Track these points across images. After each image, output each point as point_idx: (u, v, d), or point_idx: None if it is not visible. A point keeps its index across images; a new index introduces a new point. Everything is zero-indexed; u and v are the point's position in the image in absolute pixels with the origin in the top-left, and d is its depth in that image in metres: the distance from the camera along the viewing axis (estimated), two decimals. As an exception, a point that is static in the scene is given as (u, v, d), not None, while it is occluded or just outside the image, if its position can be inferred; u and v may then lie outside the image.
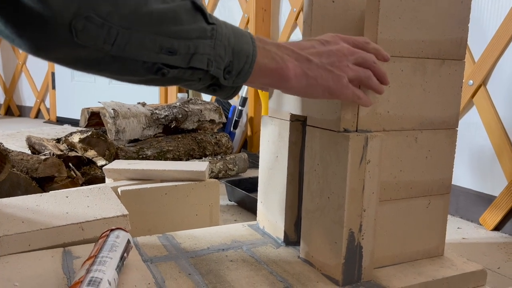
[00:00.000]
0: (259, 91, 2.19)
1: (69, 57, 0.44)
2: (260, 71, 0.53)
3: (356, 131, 0.66)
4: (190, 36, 0.47)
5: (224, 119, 2.00)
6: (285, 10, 2.15)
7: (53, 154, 1.36)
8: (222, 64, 0.50)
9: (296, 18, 2.05)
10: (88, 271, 0.54)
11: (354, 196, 0.65)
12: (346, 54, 0.58)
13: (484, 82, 1.28)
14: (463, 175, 1.34)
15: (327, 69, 0.57)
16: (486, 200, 1.28)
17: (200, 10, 0.48)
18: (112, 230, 0.66)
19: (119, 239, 0.64)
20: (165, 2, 0.45)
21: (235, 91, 0.55)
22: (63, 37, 0.40)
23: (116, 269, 0.57)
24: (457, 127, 0.78)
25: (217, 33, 0.48)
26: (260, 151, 0.88)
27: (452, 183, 0.78)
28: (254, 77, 0.53)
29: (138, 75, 0.48)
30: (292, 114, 0.78)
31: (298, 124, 0.78)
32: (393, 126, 0.71)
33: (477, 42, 1.29)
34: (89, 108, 1.80)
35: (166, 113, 1.80)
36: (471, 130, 1.33)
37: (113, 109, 1.65)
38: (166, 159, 1.70)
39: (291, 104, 0.79)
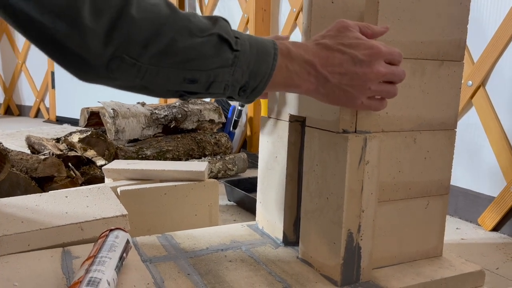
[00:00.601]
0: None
1: (106, 84, 0.52)
2: (274, 86, 0.55)
3: (355, 132, 0.66)
4: (212, 67, 0.50)
5: (223, 119, 2.00)
6: (285, 10, 2.15)
7: (53, 154, 1.36)
8: (238, 86, 0.53)
9: (296, 18, 2.05)
10: (87, 271, 0.54)
11: (353, 196, 0.65)
12: (373, 79, 0.57)
13: (483, 83, 1.28)
14: (462, 176, 1.35)
15: (344, 89, 0.57)
16: (485, 200, 1.28)
17: (226, 41, 0.50)
18: (111, 230, 0.66)
19: (118, 239, 0.64)
20: (193, 36, 0.48)
21: (250, 100, 0.58)
22: (101, 73, 0.48)
23: (115, 269, 0.57)
24: (456, 128, 0.78)
25: (238, 61, 0.51)
26: (259, 152, 0.88)
27: (451, 183, 0.78)
28: (267, 89, 0.55)
29: (163, 97, 0.55)
30: (291, 114, 0.78)
31: (297, 124, 0.78)
32: (392, 127, 0.71)
33: (477, 43, 1.29)
34: (88, 108, 1.80)
35: (166, 113, 1.80)
36: (470, 131, 1.33)
37: (112, 109, 1.65)
38: (165, 159, 1.70)
39: (290, 105, 0.79)
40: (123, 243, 0.64)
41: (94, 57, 0.45)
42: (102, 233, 0.66)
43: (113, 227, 0.67)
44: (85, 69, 0.48)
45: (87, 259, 0.58)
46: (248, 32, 2.29)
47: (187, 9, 2.63)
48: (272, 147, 0.83)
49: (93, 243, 0.66)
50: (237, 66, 0.51)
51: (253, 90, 0.54)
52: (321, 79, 0.56)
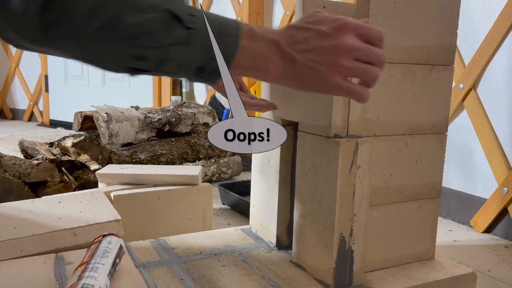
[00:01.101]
0: (253, 95, 2.19)
1: (50, 52, 0.50)
2: (239, 68, 0.52)
3: (347, 136, 0.67)
4: (162, 44, 0.48)
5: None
6: (278, 14, 2.16)
7: (46, 159, 1.36)
8: (193, 66, 0.50)
9: (289, 22, 2.06)
10: (80, 277, 0.54)
11: (345, 201, 0.65)
12: (344, 52, 0.52)
13: (474, 86, 1.29)
14: (455, 178, 1.36)
15: (313, 68, 0.52)
16: (477, 202, 1.29)
17: (176, 18, 0.48)
18: (104, 235, 0.66)
19: (111, 244, 0.64)
20: (141, 12, 0.46)
21: (210, 80, 0.54)
22: (39, 38, 0.46)
23: (108, 275, 0.58)
24: (447, 132, 0.78)
25: (192, 39, 0.48)
26: (252, 155, 0.89)
27: (444, 185, 0.79)
28: (232, 72, 0.52)
29: (112, 71, 0.52)
30: (283, 119, 0.79)
31: (290, 129, 0.79)
32: (383, 131, 0.72)
33: (468, 46, 1.30)
34: (82, 112, 1.80)
35: (160, 117, 1.80)
36: (462, 134, 1.34)
37: (106, 113, 1.65)
38: (159, 162, 1.70)
39: (282, 109, 0.79)
40: (116, 248, 0.64)
41: (32, 18, 0.44)
42: (95, 239, 0.66)
43: (106, 233, 0.67)
44: (23, 31, 0.45)
45: (79, 265, 0.58)
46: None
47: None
48: (265, 152, 0.84)
49: (86, 249, 0.66)
50: (192, 45, 0.48)
51: (213, 72, 0.51)
52: (287, 59, 0.52)
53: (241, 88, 0.84)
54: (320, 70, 0.52)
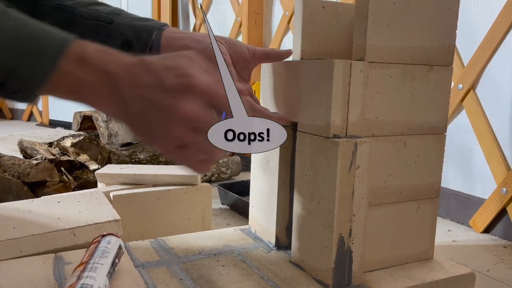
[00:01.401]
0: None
1: None
2: (54, 93, 0.45)
3: (346, 136, 0.67)
4: None
5: (217, 123, 2.00)
6: (278, 14, 2.16)
7: (45, 159, 1.36)
8: None
9: (289, 22, 2.06)
10: (79, 277, 0.54)
11: (344, 201, 0.65)
12: (175, 118, 0.44)
13: (473, 86, 1.30)
14: (454, 178, 1.36)
15: (145, 122, 0.45)
16: (476, 203, 1.29)
17: None
18: (103, 235, 0.66)
19: (110, 244, 0.64)
20: None
21: (19, 100, 0.45)
22: None
23: (107, 275, 0.58)
24: (446, 132, 0.79)
25: None
26: (251, 156, 0.89)
27: (443, 186, 0.79)
28: (49, 93, 0.45)
29: None
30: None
31: (289, 129, 0.79)
32: (382, 131, 0.72)
33: (467, 46, 1.30)
34: (81, 111, 1.80)
35: (159, 117, 1.81)
36: (461, 134, 1.34)
37: (105, 113, 1.65)
38: (159, 162, 1.70)
39: (281, 109, 0.79)
40: (115, 248, 0.64)
41: None
42: (94, 239, 0.66)
43: (105, 233, 0.67)
44: None
45: (78, 265, 0.58)
46: (241, 36, 2.30)
47: (179, 13, 2.63)
48: (265, 152, 0.84)
49: (85, 249, 0.66)
50: None
51: (15, 92, 0.43)
52: (119, 100, 0.44)
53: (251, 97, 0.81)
54: (152, 127, 0.45)
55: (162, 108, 0.44)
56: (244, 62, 0.74)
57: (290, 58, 0.80)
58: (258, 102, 0.76)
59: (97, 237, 0.66)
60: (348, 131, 0.67)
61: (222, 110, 0.47)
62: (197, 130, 0.46)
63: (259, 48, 0.76)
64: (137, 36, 0.70)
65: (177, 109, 0.43)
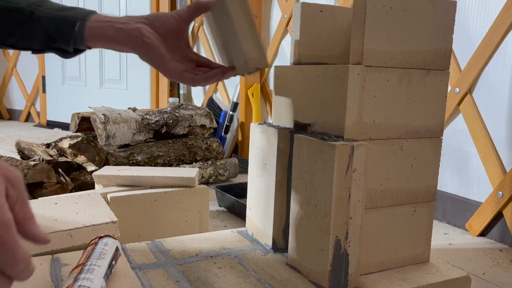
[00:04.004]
0: (251, 97, 2.20)
1: None
2: None
3: (343, 140, 0.67)
4: None
5: (215, 124, 2.00)
6: (276, 17, 2.16)
7: (43, 160, 1.36)
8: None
9: (287, 25, 2.07)
10: (75, 279, 0.54)
11: (340, 204, 0.66)
12: None
13: (470, 90, 1.30)
14: (450, 182, 1.36)
15: None
16: (472, 206, 1.29)
17: None
18: (100, 237, 0.66)
19: (107, 246, 0.64)
20: None
21: None
22: None
23: (104, 277, 0.58)
24: (442, 136, 0.79)
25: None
26: (249, 158, 0.89)
27: (439, 189, 0.80)
28: None
29: None
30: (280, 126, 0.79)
31: (286, 132, 0.79)
32: (379, 135, 0.72)
33: (464, 50, 1.31)
34: (79, 113, 1.80)
35: (157, 118, 1.80)
36: (458, 137, 1.35)
37: (103, 114, 1.65)
38: (156, 164, 1.70)
39: (288, 110, 0.80)
40: (112, 250, 0.64)
41: None
42: (91, 241, 0.66)
43: (102, 234, 0.67)
44: None
45: (75, 267, 0.58)
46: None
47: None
48: (262, 154, 0.84)
49: (82, 251, 0.66)
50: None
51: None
52: None
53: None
54: None
55: None
56: (174, 31, 0.69)
57: (290, 61, 0.81)
58: (203, 59, 0.72)
59: (94, 239, 0.66)
60: (345, 134, 0.68)
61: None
62: None
63: (184, 7, 0.71)
64: (59, 28, 0.66)
65: None
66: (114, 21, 0.66)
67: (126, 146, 1.73)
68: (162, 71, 0.66)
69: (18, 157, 1.48)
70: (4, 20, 0.67)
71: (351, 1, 1.66)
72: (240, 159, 2.05)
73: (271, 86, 2.22)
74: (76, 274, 0.56)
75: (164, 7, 2.76)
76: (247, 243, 0.86)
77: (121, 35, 0.65)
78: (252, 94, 2.21)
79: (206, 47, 2.58)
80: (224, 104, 2.40)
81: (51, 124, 3.52)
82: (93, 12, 0.68)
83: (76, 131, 1.78)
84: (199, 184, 1.10)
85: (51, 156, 1.43)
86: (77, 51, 0.70)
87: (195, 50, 2.68)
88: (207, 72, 0.69)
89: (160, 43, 0.66)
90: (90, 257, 0.60)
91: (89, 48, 0.69)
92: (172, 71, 0.66)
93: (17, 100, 3.90)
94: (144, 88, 2.93)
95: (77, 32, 0.66)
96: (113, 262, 0.63)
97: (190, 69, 0.68)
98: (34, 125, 3.62)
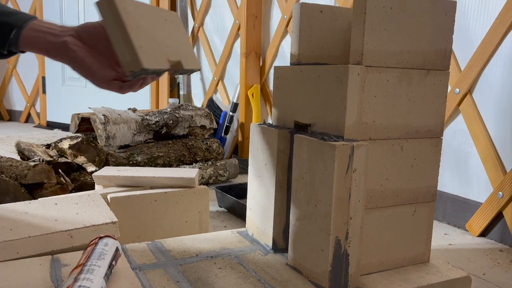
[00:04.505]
0: (251, 98, 2.20)
1: None
2: None
3: (343, 140, 0.67)
4: None
5: (215, 125, 2.00)
6: (276, 17, 2.16)
7: (43, 160, 1.36)
8: None
9: (287, 25, 2.07)
10: (75, 279, 0.54)
11: (341, 204, 0.66)
12: None
13: (470, 91, 1.30)
14: (450, 182, 1.36)
15: None
16: (472, 206, 1.29)
17: None
18: (100, 237, 0.66)
19: (107, 247, 0.64)
20: None
21: None
22: None
23: (104, 277, 0.58)
24: (442, 136, 0.79)
25: None
26: (249, 159, 0.89)
27: (439, 189, 0.80)
28: None
29: None
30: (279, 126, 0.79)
31: (286, 132, 0.79)
32: (379, 135, 0.72)
33: (464, 50, 1.31)
34: (79, 113, 1.80)
35: (157, 119, 1.80)
36: (458, 138, 1.35)
37: (103, 115, 1.65)
38: (156, 165, 1.70)
39: (288, 110, 0.80)
40: (112, 250, 0.64)
41: None
42: (92, 241, 0.66)
43: (102, 235, 0.67)
44: None
45: (76, 267, 0.58)
46: (239, 39, 2.30)
47: (178, 15, 2.63)
48: (262, 155, 0.84)
49: (82, 251, 0.66)
50: None
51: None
52: None
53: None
54: None
55: None
56: (103, 39, 0.68)
57: (290, 62, 0.81)
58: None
59: (94, 239, 0.66)
60: (345, 134, 0.68)
61: None
62: None
63: None
64: None
65: None
66: (47, 32, 0.68)
67: (126, 146, 1.73)
68: (90, 81, 0.70)
69: (18, 158, 1.48)
70: None
71: (351, 2, 1.66)
72: (240, 160, 2.05)
73: (271, 86, 2.22)
74: (76, 274, 0.56)
75: (164, 7, 2.76)
76: (247, 243, 0.86)
77: (50, 48, 0.68)
78: (252, 95, 2.21)
79: (206, 47, 2.58)
80: (224, 105, 2.40)
81: (51, 125, 3.52)
82: (32, 19, 0.70)
83: (76, 132, 1.78)
84: (199, 185, 1.10)
85: (51, 156, 1.43)
86: (11, 53, 0.72)
87: (195, 50, 2.69)
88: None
89: (87, 55, 0.68)
90: (90, 257, 0.60)
91: (23, 52, 0.72)
92: (99, 81, 0.69)
93: (17, 101, 3.91)
94: (144, 89, 2.93)
95: (12, 38, 0.68)
96: (113, 263, 0.63)
97: (122, 74, 0.70)
98: (34, 126, 3.62)
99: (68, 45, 0.67)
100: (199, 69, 0.72)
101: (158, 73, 0.67)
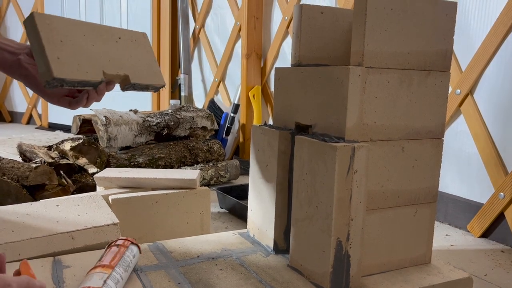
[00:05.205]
0: (252, 99, 2.20)
1: None
2: None
3: (344, 141, 0.67)
4: None
5: (216, 126, 2.00)
6: (277, 19, 2.17)
7: (44, 162, 1.36)
8: None
9: (288, 26, 2.07)
10: (105, 283, 0.57)
11: (342, 205, 0.66)
12: None
13: (471, 91, 1.30)
14: (452, 183, 1.36)
15: None
16: (474, 207, 1.29)
17: None
18: (131, 242, 0.68)
19: (134, 259, 0.67)
20: None
21: None
22: None
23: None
24: (443, 137, 0.79)
25: None
26: (250, 160, 0.89)
27: (441, 190, 0.80)
28: None
29: None
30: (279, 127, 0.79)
31: (287, 133, 0.79)
32: (380, 136, 0.72)
33: (464, 51, 1.31)
34: (81, 115, 1.80)
35: (158, 120, 1.81)
36: (459, 139, 1.35)
37: (104, 116, 1.66)
38: (157, 166, 1.70)
39: (287, 111, 0.80)
40: (135, 263, 0.66)
41: None
42: (118, 240, 0.67)
43: (131, 239, 0.69)
44: None
45: (103, 266, 0.60)
46: (240, 41, 2.31)
47: (179, 17, 2.64)
48: (263, 156, 0.84)
49: (107, 245, 0.67)
50: None
51: None
52: None
53: None
54: None
55: None
56: (15, 61, 0.70)
57: (290, 63, 0.81)
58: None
59: (124, 240, 0.68)
60: (346, 135, 0.68)
61: None
62: None
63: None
64: None
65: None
66: (4, 49, 0.70)
67: (127, 148, 1.73)
68: (41, 97, 0.73)
69: (19, 160, 1.48)
70: None
71: (351, 3, 1.66)
72: (241, 161, 2.05)
73: (272, 87, 2.22)
74: (106, 277, 0.58)
75: (165, 9, 2.77)
76: (248, 244, 0.86)
77: (5, 65, 0.70)
78: (253, 96, 2.21)
79: (207, 49, 2.58)
80: (225, 106, 2.40)
81: (52, 127, 3.53)
82: None
83: (78, 133, 1.78)
84: (201, 186, 1.10)
85: (52, 158, 1.43)
86: None
87: (196, 52, 2.69)
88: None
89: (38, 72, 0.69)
90: (119, 263, 0.62)
91: None
92: (50, 97, 0.73)
93: (19, 103, 3.91)
94: (145, 90, 2.93)
95: None
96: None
97: (75, 90, 0.73)
98: (35, 128, 3.62)
99: (21, 63, 0.69)
100: (163, 86, 0.75)
101: (87, 85, 0.68)
